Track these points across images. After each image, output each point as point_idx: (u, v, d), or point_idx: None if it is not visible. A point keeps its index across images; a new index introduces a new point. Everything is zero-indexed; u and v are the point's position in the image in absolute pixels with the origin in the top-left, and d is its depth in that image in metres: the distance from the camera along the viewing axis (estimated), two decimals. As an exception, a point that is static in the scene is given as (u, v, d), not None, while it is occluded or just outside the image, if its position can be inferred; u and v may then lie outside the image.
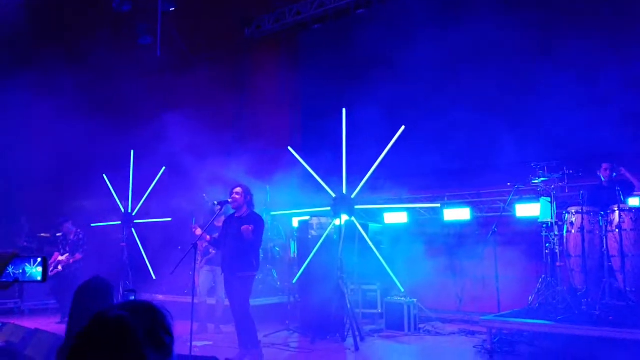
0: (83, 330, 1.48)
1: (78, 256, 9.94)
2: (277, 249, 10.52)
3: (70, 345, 1.47)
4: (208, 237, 6.75)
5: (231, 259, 6.41)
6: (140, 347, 1.46)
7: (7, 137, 12.21)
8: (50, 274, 9.76)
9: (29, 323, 8.79)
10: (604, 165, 7.34)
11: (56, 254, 10.09)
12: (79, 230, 10.28)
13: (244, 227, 6.17)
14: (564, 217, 6.99)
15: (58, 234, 10.78)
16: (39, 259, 2.04)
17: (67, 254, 10.01)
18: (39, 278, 2.03)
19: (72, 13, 12.74)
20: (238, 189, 6.60)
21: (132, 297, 3.37)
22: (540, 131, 8.73)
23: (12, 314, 9.90)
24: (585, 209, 6.74)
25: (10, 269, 1.97)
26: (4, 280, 1.95)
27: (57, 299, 9.97)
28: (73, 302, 3.23)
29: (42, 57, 12.30)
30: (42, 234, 12.06)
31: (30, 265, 2.02)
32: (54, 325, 8.82)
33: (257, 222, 6.49)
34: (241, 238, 6.24)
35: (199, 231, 6.70)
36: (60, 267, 9.88)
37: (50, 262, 10.04)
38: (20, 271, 1.99)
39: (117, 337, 1.45)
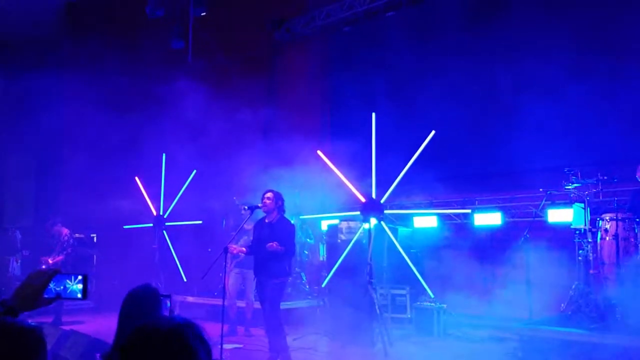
0: (132, 345, 1.51)
1: (59, 258, 9.83)
2: (306, 252, 10.55)
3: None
4: (244, 249, 6.80)
5: (264, 265, 6.45)
6: (199, 358, 1.51)
7: (42, 139, 12.52)
8: None
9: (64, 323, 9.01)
10: None
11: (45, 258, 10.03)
12: (71, 233, 10.20)
13: (269, 245, 6.25)
14: (598, 224, 6.85)
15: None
16: (80, 277, 2.07)
17: (57, 256, 9.92)
18: (79, 295, 2.06)
19: (107, 18, 12.99)
20: (269, 194, 6.65)
21: (168, 303, 3.42)
22: (574, 136, 8.57)
23: (49, 314, 10.09)
24: (620, 215, 6.60)
25: (52, 285, 2.01)
26: (46, 296, 1.99)
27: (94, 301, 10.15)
28: (122, 309, 3.29)
29: (75, 60, 12.59)
30: (76, 235, 12.29)
31: (71, 282, 2.05)
32: (93, 324, 9.01)
33: (288, 228, 6.54)
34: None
35: (235, 250, 6.79)
36: (43, 267, 9.88)
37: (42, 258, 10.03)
38: (62, 287, 2.03)
39: (180, 348, 1.49)
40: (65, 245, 9.95)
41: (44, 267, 9.30)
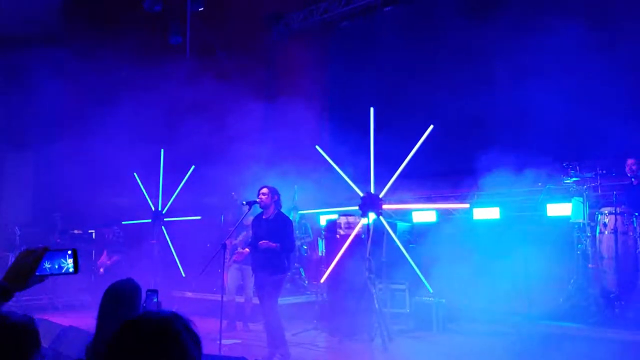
0: (127, 335, 1.51)
1: (115, 258, 10.15)
2: (305, 248, 10.55)
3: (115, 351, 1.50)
4: (247, 250, 6.83)
5: (263, 261, 6.46)
6: (188, 349, 1.51)
7: (40, 134, 12.48)
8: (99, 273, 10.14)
9: (63, 319, 8.99)
10: (630, 161, 7.08)
11: (104, 254, 10.40)
12: (117, 229, 10.45)
13: (261, 243, 6.32)
14: (597, 218, 6.86)
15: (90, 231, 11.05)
16: (69, 251, 2.06)
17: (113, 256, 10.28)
18: (72, 270, 2.05)
19: (104, 13, 12.95)
20: (264, 190, 6.66)
21: (155, 299, 3.42)
22: (572, 130, 8.57)
23: (46, 309, 10.08)
24: (618, 209, 6.61)
25: (45, 263, 2.00)
26: (38, 274, 1.98)
27: (94, 296, 10.23)
28: (102, 302, 3.30)
29: (73, 55, 12.54)
30: (75, 231, 12.27)
31: (62, 259, 2.05)
32: (90, 320, 8.95)
33: (285, 224, 6.55)
34: (271, 240, 6.33)
35: (242, 257, 6.87)
36: (102, 270, 10.14)
37: (98, 262, 10.37)
38: (57, 266, 2.03)
39: (169, 340, 1.50)
40: (115, 242, 10.38)
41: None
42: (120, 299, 3.26)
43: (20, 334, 1.67)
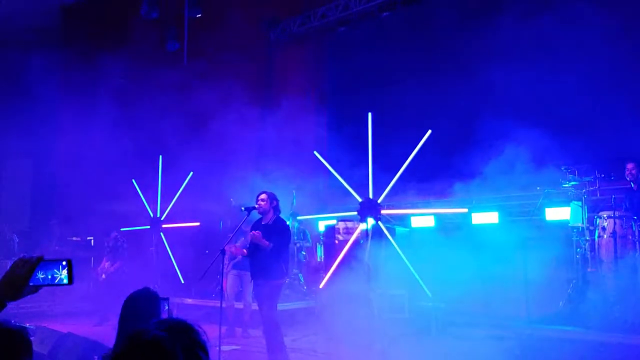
0: (121, 353, 1.50)
1: (118, 264, 10.12)
2: (304, 253, 10.53)
3: None
4: (245, 251, 6.82)
5: (261, 267, 6.45)
6: None
7: (37, 143, 12.48)
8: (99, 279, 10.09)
9: (61, 326, 8.96)
10: (629, 166, 7.08)
11: (104, 260, 10.34)
12: (118, 236, 10.42)
13: (252, 233, 6.35)
14: (596, 222, 6.86)
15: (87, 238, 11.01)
16: (64, 262, 2.04)
17: (108, 262, 10.22)
18: (65, 281, 2.03)
19: (102, 20, 12.97)
20: (263, 196, 6.65)
21: (166, 306, 3.40)
22: (571, 134, 8.57)
23: (45, 316, 10.05)
24: (617, 213, 6.62)
25: (38, 274, 1.99)
26: (32, 284, 1.96)
27: (94, 303, 10.18)
28: (122, 313, 3.28)
29: (70, 63, 12.56)
30: (73, 238, 12.26)
31: (57, 269, 2.02)
32: (89, 327, 8.91)
33: (282, 229, 6.55)
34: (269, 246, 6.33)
35: (236, 250, 6.85)
36: (103, 276, 10.09)
37: (98, 268, 10.33)
38: (50, 276, 2.01)
39: (157, 359, 1.47)
40: (119, 249, 10.26)
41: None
42: (139, 309, 3.24)
43: (12, 341, 1.66)
